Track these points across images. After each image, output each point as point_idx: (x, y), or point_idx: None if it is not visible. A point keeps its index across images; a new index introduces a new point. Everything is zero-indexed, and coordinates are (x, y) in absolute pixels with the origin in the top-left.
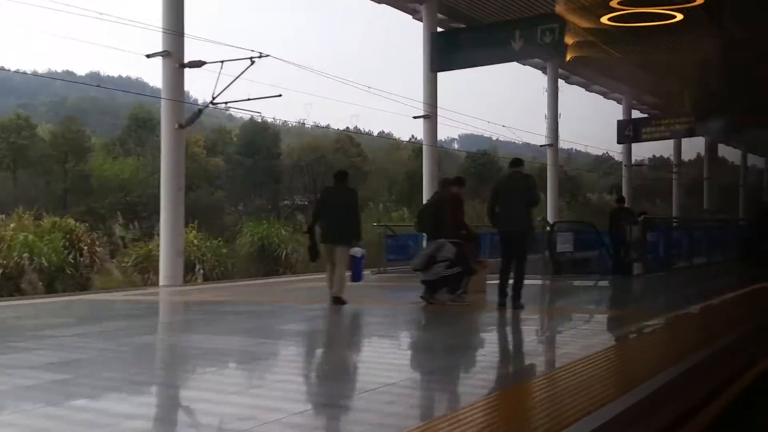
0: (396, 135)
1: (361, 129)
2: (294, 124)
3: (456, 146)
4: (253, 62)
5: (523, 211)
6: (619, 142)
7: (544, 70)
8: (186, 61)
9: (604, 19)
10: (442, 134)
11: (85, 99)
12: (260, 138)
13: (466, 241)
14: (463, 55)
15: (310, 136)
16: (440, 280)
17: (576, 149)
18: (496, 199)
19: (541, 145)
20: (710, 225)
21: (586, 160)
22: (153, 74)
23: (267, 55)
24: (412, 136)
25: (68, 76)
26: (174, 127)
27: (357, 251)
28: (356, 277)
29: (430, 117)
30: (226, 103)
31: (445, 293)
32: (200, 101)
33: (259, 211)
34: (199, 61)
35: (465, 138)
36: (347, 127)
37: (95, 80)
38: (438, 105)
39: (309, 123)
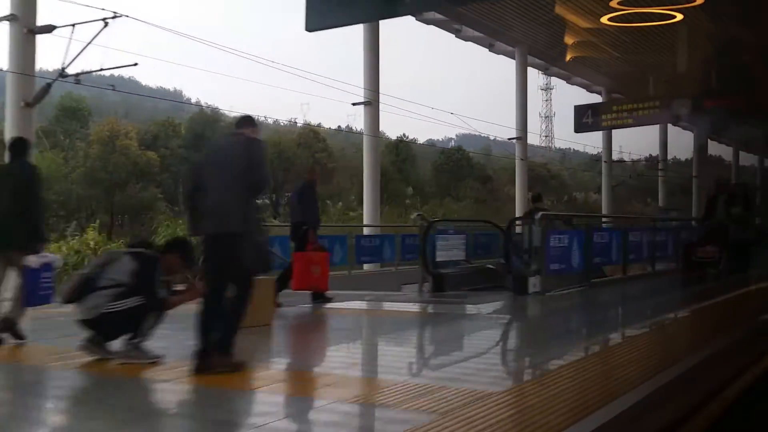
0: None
1: (353, 127)
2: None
3: (452, 145)
4: (106, 24)
5: (238, 199)
6: (576, 131)
7: (539, 68)
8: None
9: (604, 19)
10: (440, 134)
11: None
12: (210, 130)
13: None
14: (340, 10)
15: (271, 130)
16: (111, 319)
17: (574, 149)
18: (197, 180)
19: (509, 138)
20: (656, 226)
21: (584, 159)
22: None
23: (121, 15)
24: (383, 132)
25: None
26: (20, 105)
27: (50, 259)
28: (33, 299)
29: (371, 104)
30: (77, 75)
31: (127, 343)
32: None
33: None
34: (49, 25)
35: (463, 138)
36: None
37: None
38: (383, 92)
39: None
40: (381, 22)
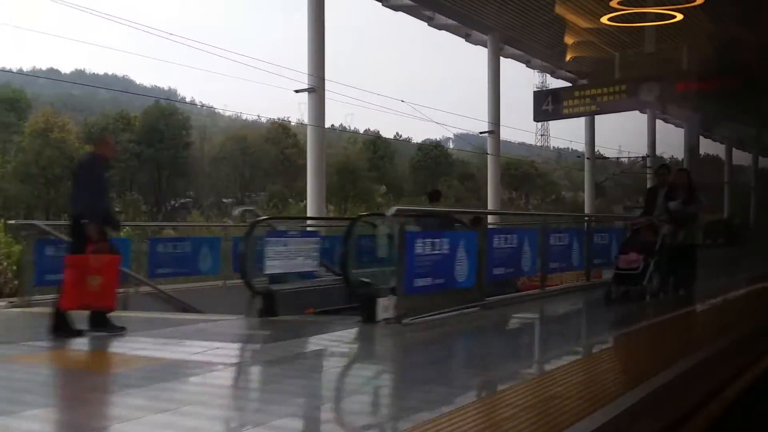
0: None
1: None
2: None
3: (451, 145)
4: None
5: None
6: (536, 119)
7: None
8: None
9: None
10: (438, 134)
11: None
12: (165, 124)
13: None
14: None
15: (241, 125)
16: None
17: (572, 148)
18: None
19: (480, 132)
20: (593, 227)
21: (580, 158)
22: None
23: None
24: (368, 128)
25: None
26: None
27: None
28: None
29: (316, 90)
30: None
31: None
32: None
33: (134, 209)
34: None
35: (460, 137)
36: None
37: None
38: (328, 78)
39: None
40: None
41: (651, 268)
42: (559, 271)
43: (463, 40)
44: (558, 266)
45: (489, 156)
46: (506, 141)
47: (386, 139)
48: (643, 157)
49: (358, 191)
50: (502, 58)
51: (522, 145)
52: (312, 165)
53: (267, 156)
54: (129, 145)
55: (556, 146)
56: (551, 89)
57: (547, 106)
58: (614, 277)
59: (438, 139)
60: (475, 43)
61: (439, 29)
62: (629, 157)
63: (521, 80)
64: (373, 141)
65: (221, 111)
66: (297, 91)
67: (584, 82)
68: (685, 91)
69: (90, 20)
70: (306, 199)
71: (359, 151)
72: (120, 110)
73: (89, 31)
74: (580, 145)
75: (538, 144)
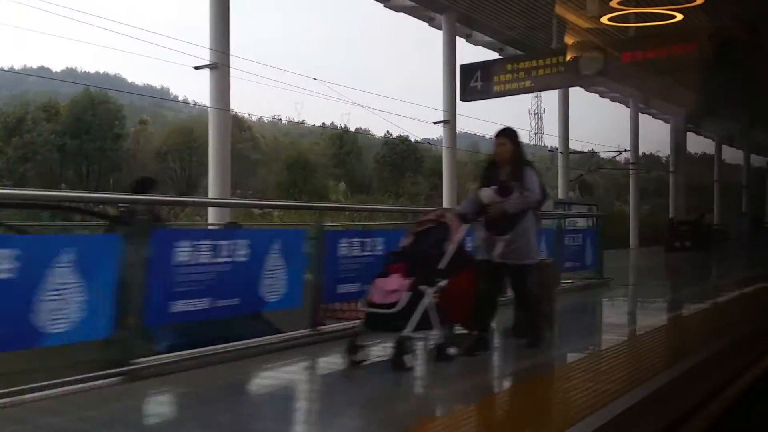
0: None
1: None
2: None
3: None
4: None
5: None
6: (463, 99)
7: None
8: None
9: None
10: (435, 133)
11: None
12: (93, 114)
13: None
14: None
15: (187, 117)
16: None
17: (572, 148)
18: None
19: (435, 122)
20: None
21: (574, 157)
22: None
23: None
24: (332, 122)
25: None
26: None
27: None
28: None
29: (218, 67)
30: None
31: None
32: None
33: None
34: None
35: (458, 137)
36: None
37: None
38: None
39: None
40: None
41: (427, 302)
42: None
43: (427, 24)
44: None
45: (444, 148)
46: (551, 150)
47: (353, 134)
48: (619, 151)
49: (313, 188)
50: (475, 47)
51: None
52: (214, 154)
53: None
54: (51, 136)
55: (554, 145)
56: (481, 62)
57: (476, 83)
58: (366, 318)
59: (436, 138)
60: (440, 28)
61: (398, 11)
62: (606, 152)
63: None
64: (340, 136)
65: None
66: (197, 68)
67: (519, 53)
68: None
69: (81, 18)
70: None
71: (323, 146)
72: (47, 100)
73: (81, 29)
74: (578, 144)
75: (532, 143)
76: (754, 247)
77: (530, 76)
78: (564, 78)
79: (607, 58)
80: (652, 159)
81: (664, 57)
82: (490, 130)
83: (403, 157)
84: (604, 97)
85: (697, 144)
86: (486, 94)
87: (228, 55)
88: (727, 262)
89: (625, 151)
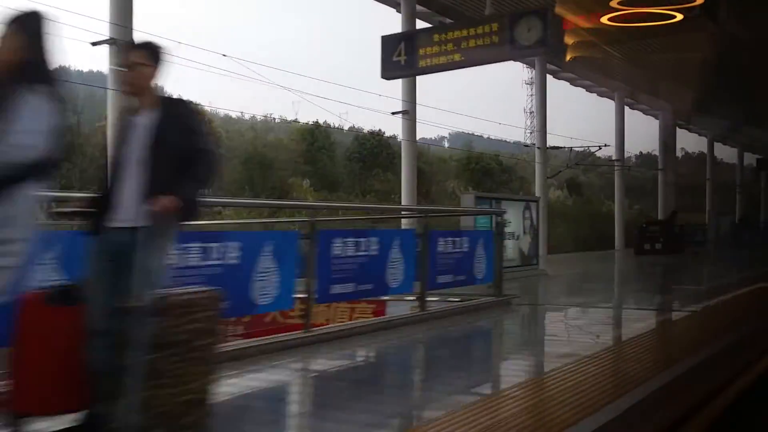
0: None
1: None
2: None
3: (446, 144)
4: None
5: None
6: (385, 76)
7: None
8: None
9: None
10: (432, 133)
11: None
12: None
13: None
14: None
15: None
16: None
17: (571, 147)
18: None
19: (393, 113)
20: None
21: (569, 155)
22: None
23: None
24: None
25: None
26: None
27: None
28: None
29: (115, 42)
30: None
31: None
32: None
33: None
34: None
35: (456, 136)
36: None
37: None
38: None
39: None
40: None
41: None
42: None
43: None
44: None
45: (402, 141)
46: (500, 140)
47: (325, 129)
48: (599, 146)
49: (273, 185)
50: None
51: (518, 144)
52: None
53: None
54: None
55: (571, 148)
56: (404, 32)
57: (399, 57)
58: None
59: (434, 138)
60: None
61: None
62: (581, 147)
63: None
64: (312, 131)
65: (206, 108)
66: (94, 44)
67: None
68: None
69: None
70: None
71: (289, 142)
72: None
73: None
74: (575, 141)
75: (528, 141)
76: (737, 249)
77: (460, 48)
78: (499, 50)
79: (548, 27)
80: (649, 158)
81: (622, 27)
82: (488, 130)
83: (374, 154)
84: (591, 92)
85: (697, 143)
86: (410, 69)
87: (131, 30)
88: (695, 269)
89: (606, 146)
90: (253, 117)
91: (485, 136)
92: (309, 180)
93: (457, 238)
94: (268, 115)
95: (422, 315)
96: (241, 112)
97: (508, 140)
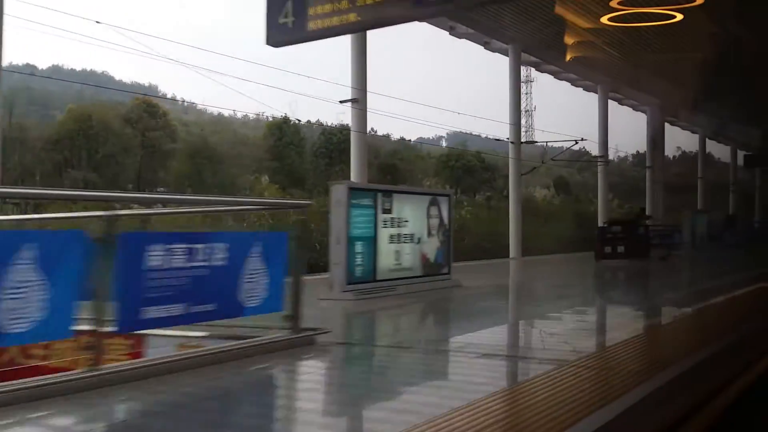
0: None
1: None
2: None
3: (444, 144)
4: None
5: None
6: (270, 43)
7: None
8: None
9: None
10: (431, 133)
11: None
12: None
13: None
14: None
15: (95, 102)
16: None
17: (564, 145)
18: None
19: (341, 101)
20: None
21: (565, 154)
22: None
23: None
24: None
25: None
26: None
27: None
28: None
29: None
30: None
31: None
32: None
33: None
34: None
35: (454, 136)
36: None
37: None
38: None
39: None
40: None
41: None
42: None
43: None
44: None
45: (352, 133)
46: (494, 139)
47: (295, 124)
48: (575, 140)
49: (226, 183)
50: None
51: (495, 140)
52: None
53: (119, 139)
54: None
55: (547, 142)
56: None
57: (286, 18)
58: None
59: (432, 137)
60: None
61: None
62: (556, 141)
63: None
64: (280, 125)
65: (201, 106)
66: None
67: None
68: None
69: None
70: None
71: (261, 137)
72: None
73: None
74: (559, 137)
75: (523, 140)
76: (716, 252)
77: (355, 6)
78: (400, 8)
79: None
80: (645, 157)
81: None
82: (486, 130)
83: (340, 149)
84: (576, 86)
85: (696, 142)
86: (299, 34)
87: None
88: (641, 282)
89: (582, 140)
90: (233, 113)
91: (483, 136)
92: (271, 177)
93: (199, 245)
94: (235, 112)
95: (100, 375)
96: (234, 110)
97: (503, 139)
